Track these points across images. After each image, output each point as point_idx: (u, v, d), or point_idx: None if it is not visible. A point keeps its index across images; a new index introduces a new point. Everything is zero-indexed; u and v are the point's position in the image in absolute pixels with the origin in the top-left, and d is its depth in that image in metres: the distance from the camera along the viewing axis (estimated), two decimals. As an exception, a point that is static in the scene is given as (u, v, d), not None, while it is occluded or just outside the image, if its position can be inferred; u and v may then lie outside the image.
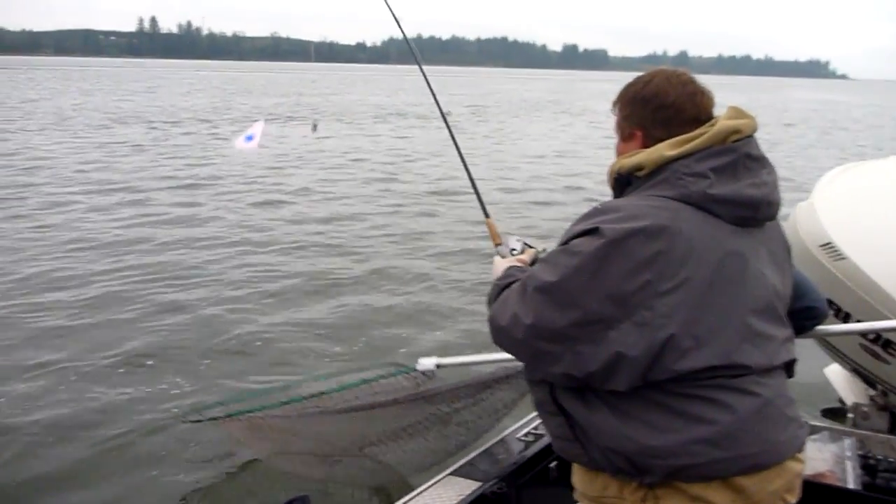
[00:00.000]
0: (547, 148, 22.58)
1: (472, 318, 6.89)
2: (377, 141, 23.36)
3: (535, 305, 1.67)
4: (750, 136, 1.75)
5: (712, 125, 1.74)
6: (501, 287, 1.83)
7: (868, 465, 2.66)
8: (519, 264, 2.02)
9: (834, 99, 75.55)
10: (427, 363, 2.97)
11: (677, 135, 1.73)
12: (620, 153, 1.86)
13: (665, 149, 1.72)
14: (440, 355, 3.01)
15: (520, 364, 2.97)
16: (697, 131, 1.73)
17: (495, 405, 3.05)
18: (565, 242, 1.70)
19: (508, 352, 1.81)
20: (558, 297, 1.64)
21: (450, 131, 2.95)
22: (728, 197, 1.66)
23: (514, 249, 2.19)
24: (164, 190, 13.59)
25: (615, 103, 1.90)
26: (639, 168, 1.75)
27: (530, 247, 2.20)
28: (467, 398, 3.02)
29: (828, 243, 2.76)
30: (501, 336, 1.76)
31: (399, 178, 15.80)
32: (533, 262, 2.07)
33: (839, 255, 2.70)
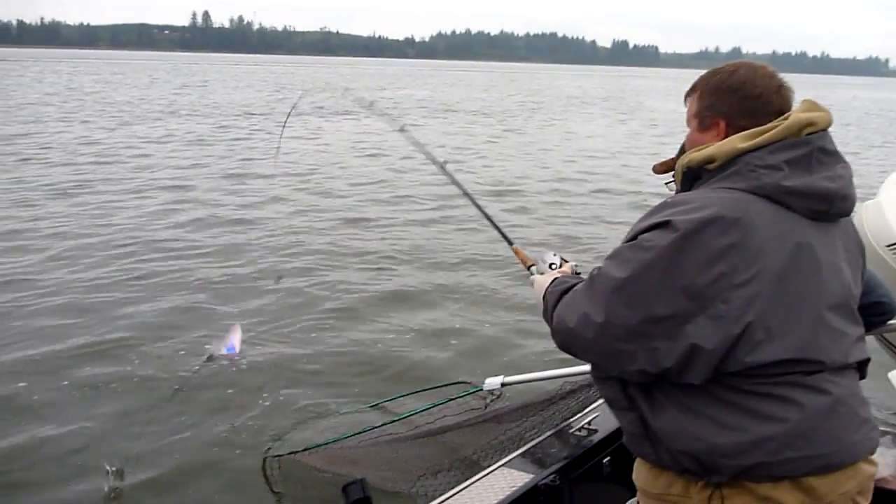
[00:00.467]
0: (612, 145, 22.33)
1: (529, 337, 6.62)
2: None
3: (606, 303, 1.63)
4: (824, 130, 1.72)
5: (786, 118, 1.71)
6: (560, 292, 1.81)
7: None
8: (562, 276, 2.00)
9: (894, 98, 73.50)
10: (493, 382, 3.02)
11: (761, 126, 1.70)
12: (694, 144, 1.82)
13: (738, 141, 1.69)
14: (505, 374, 3.04)
15: (583, 378, 2.99)
16: (771, 123, 1.70)
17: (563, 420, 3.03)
18: (633, 238, 1.67)
19: (579, 355, 1.75)
20: (631, 293, 1.60)
21: (452, 179, 2.88)
22: (802, 189, 1.64)
23: (552, 264, 2.16)
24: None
25: (691, 92, 1.87)
26: (710, 160, 1.71)
27: (566, 261, 2.18)
28: (534, 416, 3.01)
29: (894, 243, 2.70)
30: (570, 339, 1.72)
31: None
32: (575, 274, 2.07)
33: (906, 255, 2.64)
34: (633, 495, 1.90)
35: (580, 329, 1.68)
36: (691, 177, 1.76)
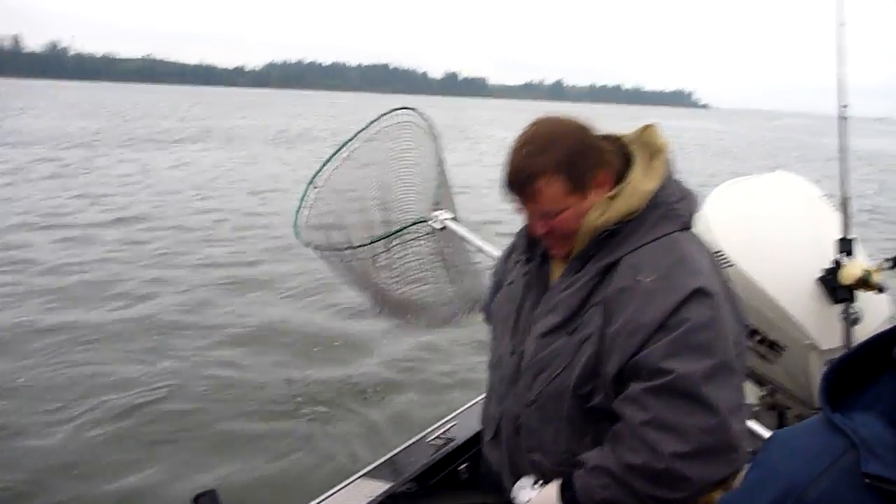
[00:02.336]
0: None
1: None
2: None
3: (721, 395, 1.48)
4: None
5: (658, 149, 1.68)
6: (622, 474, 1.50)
7: None
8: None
9: (694, 126, 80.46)
10: (438, 217, 2.80)
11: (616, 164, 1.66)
12: (582, 214, 1.63)
13: (644, 183, 1.62)
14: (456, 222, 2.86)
15: None
16: (653, 159, 1.66)
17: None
18: (661, 328, 1.49)
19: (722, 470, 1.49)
20: (726, 372, 1.49)
21: None
22: (693, 211, 1.69)
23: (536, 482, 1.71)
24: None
25: (537, 180, 1.61)
26: (631, 212, 1.60)
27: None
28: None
29: (718, 251, 2.91)
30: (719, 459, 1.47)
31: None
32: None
33: (728, 262, 2.86)
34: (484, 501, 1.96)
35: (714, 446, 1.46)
36: (605, 235, 1.62)
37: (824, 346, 2.88)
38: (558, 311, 1.63)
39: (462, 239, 2.87)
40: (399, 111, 2.95)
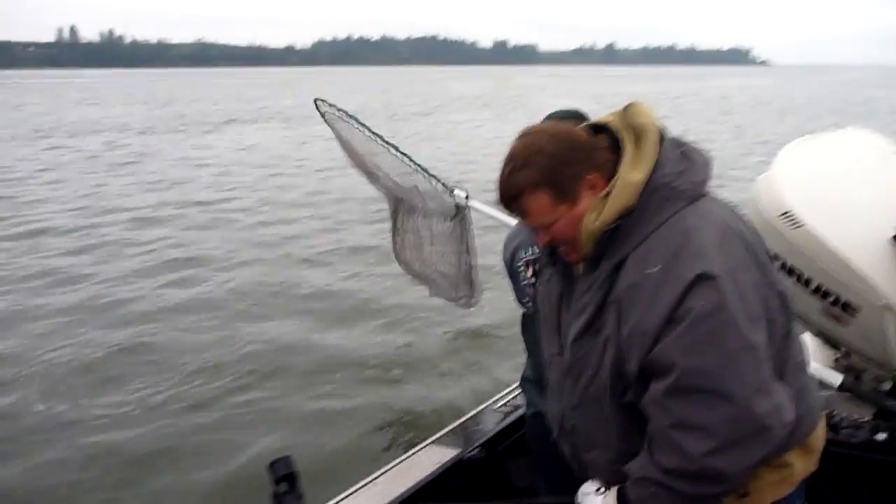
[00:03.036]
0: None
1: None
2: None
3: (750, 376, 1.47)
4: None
5: (639, 129, 1.61)
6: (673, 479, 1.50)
7: (832, 423, 2.76)
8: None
9: (752, 84, 78.33)
10: (461, 195, 3.12)
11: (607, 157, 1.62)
12: (578, 221, 1.60)
13: (633, 175, 1.56)
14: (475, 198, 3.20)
15: None
16: (640, 141, 1.60)
17: None
18: (669, 323, 1.47)
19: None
20: (741, 354, 1.46)
21: None
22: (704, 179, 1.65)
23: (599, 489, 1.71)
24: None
25: (522, 197, 1.60)
26: (627, 210, 1.55)
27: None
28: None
29: (786, 212, 2.84)
30: (768, 437, 1.47)
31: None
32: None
33: (797, 223, 2.79)
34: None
35: (768, 423, 1.46)
36: (608, 234, 1.58)
37: (900, 307, 2.80)
38: (584, 313, 1.63)
39: (488, 215, 3.05)
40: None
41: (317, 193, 14.93)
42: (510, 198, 1.63)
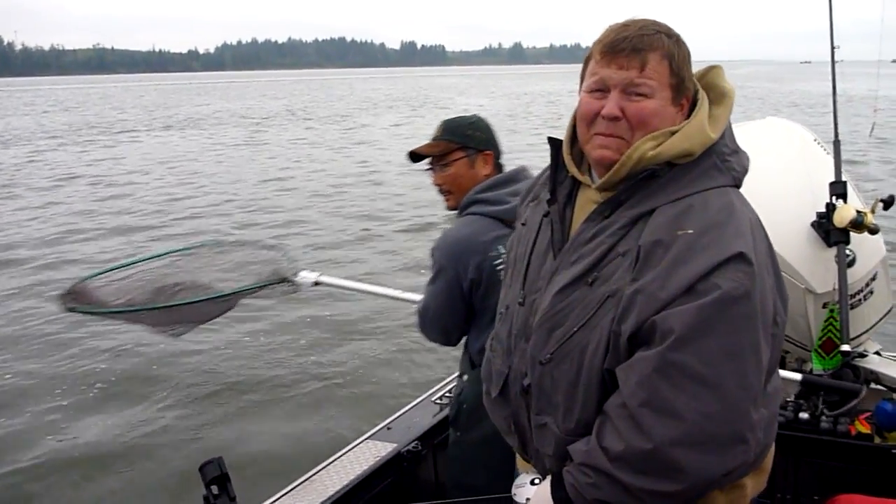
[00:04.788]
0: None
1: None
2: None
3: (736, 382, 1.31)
4: None
5: (722, 94, 1.52)
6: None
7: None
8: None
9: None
10: (307, 277, 2.97)
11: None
12: (662, 121, 1.43)
13: (708, 128, 1.44)
14: (322, 272, 3.05)
15: None
16: (717, 105, 1.50)
17: None
18: (689, 291, 1.30)
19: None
20: (749, 354, 1.32)
21: None
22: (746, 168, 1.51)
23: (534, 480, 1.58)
24: None
25: (645, 52, 1.41)
26: (686, 155, 1.41)
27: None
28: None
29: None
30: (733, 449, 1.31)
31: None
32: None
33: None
34: None
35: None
36: (648, 174, 1.41)
37: (820, 290, 2.89)
38: (581, 262, 1.44)
39: (340, 287, 3.06)
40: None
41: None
42: (635, 47, 1.41)
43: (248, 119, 35.93)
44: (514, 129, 25.27)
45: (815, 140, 3.16)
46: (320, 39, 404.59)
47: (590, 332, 1.41)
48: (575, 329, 1.43)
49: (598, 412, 1.41)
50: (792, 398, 2.80)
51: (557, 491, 1.43)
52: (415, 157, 2.37)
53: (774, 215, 2.84)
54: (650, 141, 1.40)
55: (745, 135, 3.25)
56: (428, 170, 2.38)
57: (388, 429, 2.91)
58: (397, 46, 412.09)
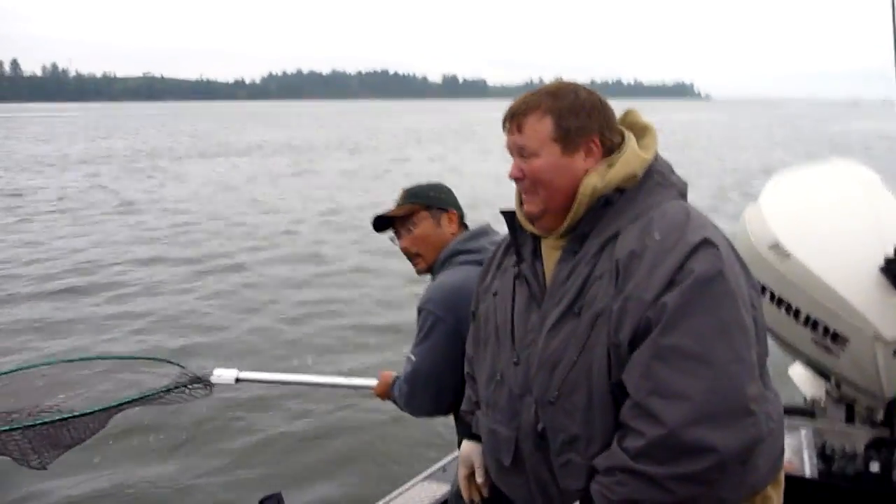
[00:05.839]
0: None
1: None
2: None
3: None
4: None
5: (644, 127, 1.70)
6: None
7: (824, 455, 2.75)
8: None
9: (698, 118, 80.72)
10: (226, 375, 2.62)
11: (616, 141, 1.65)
12: (556, 171, 1.58)
13: (641, 153, 1.61)
14: (240, 368, 2.69)
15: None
16: (642, 137, 1.67)
17: None
18: (670, 285, 1.42)
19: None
20: (735, 329, 1.42)
21: None
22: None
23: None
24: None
25: (529, 114, 1.60)
26: (631, 177, 1.57)
27: None
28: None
29: (775, 244, 2.86)
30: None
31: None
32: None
33: (786, 254, 2.80)
34: None
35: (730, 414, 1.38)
36: (602, 203, 1.56)
37: (890, 336, 2.80)
38: (566, 297, 1.55)
39: (262, 381, 2.80)
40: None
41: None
42: (517, 110, 1.61)
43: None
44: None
45: (881, 181, 3.10)
46: (363, 72, 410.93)
47: (590, 355, 1.49)
48: (575, 358, 1.51)
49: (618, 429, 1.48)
50: (862, 450, 2.73)
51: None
52: (379, 224, 2.38)
53: (841, 258, 2.82)
54: (594, 176, 1.57)
55: (810, 177, 3.25)
56: (393, 239, 2.39)
57: (444, 470, 2.90)
58: (439, 80, 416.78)
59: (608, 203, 1.55)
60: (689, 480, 1.36)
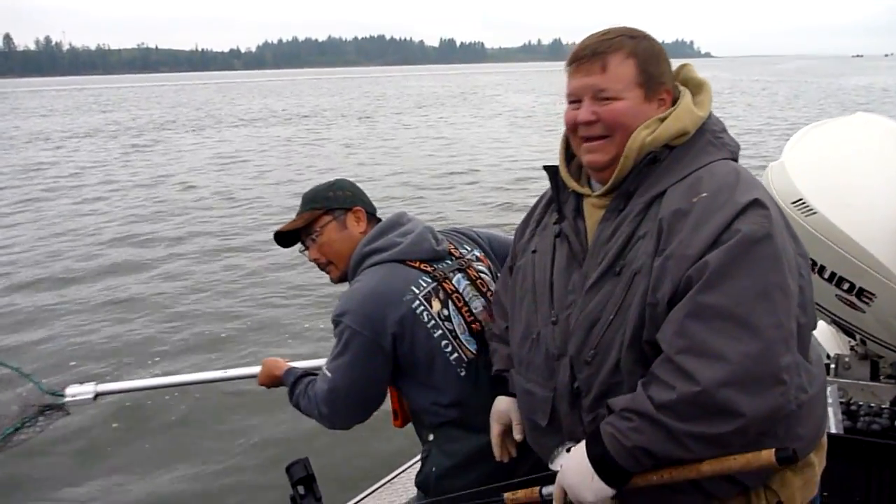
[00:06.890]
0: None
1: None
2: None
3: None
4: None
5: (699, 84, 1.63)
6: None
7: (850, 411, 2.73)
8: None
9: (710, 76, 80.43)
10: (83, 391, 2.40)
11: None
12: (637, 117, 1.51)
13: (696, 109, 1.54)
14: (97, 381, 2.46)
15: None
16: (697, 93, 1.61)
17: None
18: (714, 244, 1.36)
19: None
20: (779, 294, 1.37)
21: None
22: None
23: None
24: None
25: (609, 54, 1.50)
26: (682, 134, 1.51)
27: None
28: None
29: (799, 199, 2.81)
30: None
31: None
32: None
33: (810, 210, 2.75)
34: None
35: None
36: (651, 160, 1.50)
37: (917, 292, 2.78)
38: (608, 255, 1.50)
39: (122, 391, 2.66)
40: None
41: None
42: (597, 49, 1.51)
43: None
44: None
45: None
46: (360, 38, 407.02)
47: (626, 315, 1.46)
48: (612, 317, 1.48)
49: None
50: (887, 405, 2.71)
51: (593, 448, 1.44)
52: (282, 240, 2.21)
53: (867, 213, 2.76)
54: (644, 130, 1.50)
55: (835, 131, 3.18)
56: (303, 251, 2.20)
57: None
58: (436, 44, 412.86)
59: (655, 160, 1.49)
60: (707, 441, 1.35)
